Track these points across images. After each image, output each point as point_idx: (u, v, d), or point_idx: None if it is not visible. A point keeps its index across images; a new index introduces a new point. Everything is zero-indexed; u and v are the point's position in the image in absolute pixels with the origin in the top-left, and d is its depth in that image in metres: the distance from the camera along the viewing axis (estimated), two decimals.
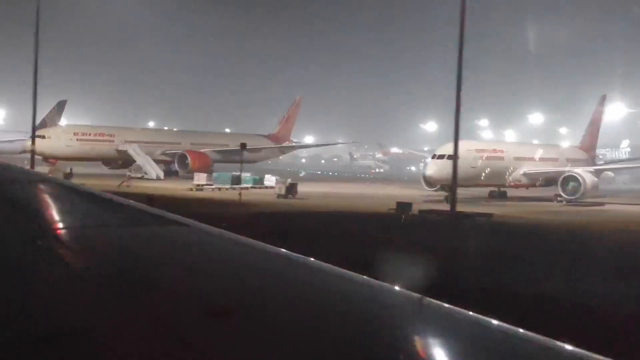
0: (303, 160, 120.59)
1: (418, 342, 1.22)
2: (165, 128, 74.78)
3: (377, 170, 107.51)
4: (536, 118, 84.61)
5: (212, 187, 35.84)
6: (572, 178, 31.58)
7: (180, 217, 2.15)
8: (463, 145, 31.21)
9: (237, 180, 36.45)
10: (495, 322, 1.21)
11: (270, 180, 38.28)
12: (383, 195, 32.23)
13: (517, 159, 34.47)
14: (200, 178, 36.92)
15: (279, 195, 30.88)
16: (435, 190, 31.19)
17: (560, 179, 31.84)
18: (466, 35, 20.71)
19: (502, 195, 35.13)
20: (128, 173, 41.48)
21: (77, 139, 43.48)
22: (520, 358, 1.15)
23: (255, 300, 1.38)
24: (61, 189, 2.85)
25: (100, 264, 1.63)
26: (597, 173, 36.12)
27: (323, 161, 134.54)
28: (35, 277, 1.50)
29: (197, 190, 34.69)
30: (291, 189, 31.23)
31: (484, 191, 35.17)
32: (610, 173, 55.34)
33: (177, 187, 34.91)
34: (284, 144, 60.41)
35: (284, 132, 61.33)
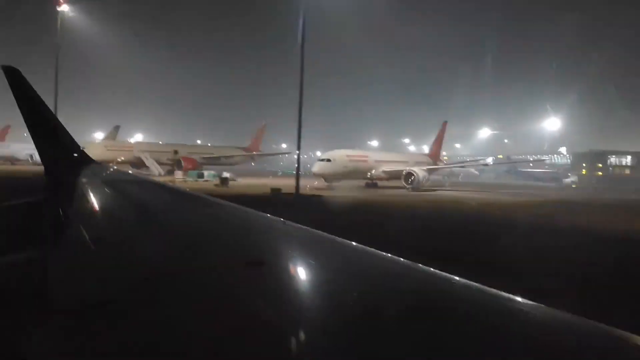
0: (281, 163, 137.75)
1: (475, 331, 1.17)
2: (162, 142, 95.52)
3: None
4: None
5: (181, 179, 52.54)
6: (410, 173, 49.27)
7: (225, 201, 3.12)
8: (340, 152, 49.71)
9: (201, 175, 54.36)
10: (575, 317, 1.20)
11: (225, 175, 56.05)
12: (284, 184, 40.90)
13: (378, 161, 51.40)
14: (178, 174, 55.29)
15: (215, 185, 45.37)
16: (327, 182, 48.55)
17: (403, 174, 49.61)
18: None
19: (375, 185, 51.77)
20: (138, 171, 58.95)
21: (107, 150, 60.39)
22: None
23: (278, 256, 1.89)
24: (146, 184, 4.48)
25: (175, 231, 2.34)
26: (430, 171, 53.56)
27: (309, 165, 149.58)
28: (138, 233, 2.31)
29: (171, 181, 50.86)
30: (224, 181, 47.03)
31: (362, 183, 52.20)
32: (474, 171, 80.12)
33: (165, 179, 49.33)
34: (252, 153, 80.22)
35: (254, 145, 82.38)
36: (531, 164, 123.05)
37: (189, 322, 1.27)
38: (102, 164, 7.02)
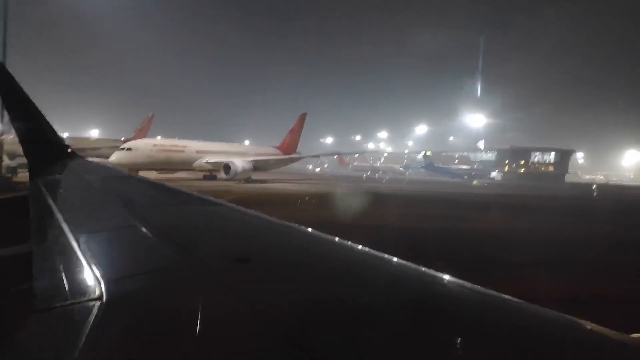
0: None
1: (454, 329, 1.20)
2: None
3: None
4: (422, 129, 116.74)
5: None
6: (227, 165, 45.62)
7: (216, 199, 3.15)
8: (145, 141, 45.95)
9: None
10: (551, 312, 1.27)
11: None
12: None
13: (200, 152, 47.89)
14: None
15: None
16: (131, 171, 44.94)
17: (222, 165, 45.97)
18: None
19: (213, 178, 48.22)
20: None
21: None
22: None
23: (265, 252, 1.90)
24: (132, 180, 4.60)
25: (163, 230, 2.27)
26: (257, 162, 49.98)
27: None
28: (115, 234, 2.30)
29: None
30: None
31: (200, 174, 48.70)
32: (400, 168, 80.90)
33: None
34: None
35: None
36: (457, 161, 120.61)
37: (173, 320, 1.27)
38: (87, 160, 6.88)
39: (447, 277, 1.52)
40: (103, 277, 1.59)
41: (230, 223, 2.63)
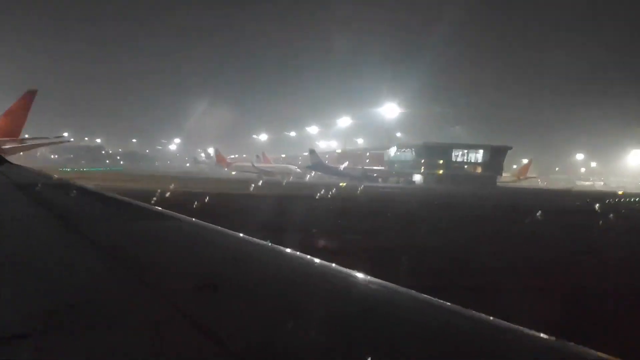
0: None
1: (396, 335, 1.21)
2: None
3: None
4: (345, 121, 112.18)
5: None
6: None
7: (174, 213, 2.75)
8: None
9: None
10: (492, 320, 1.29)
11: None
12: None
13: None
14: None
15: None
16: None
17: None
18: None
19: None
20: None
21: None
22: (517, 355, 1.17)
23: (234, 278, 1.62)
24: (70, 188, 4.26)
25: (109, 252, 1.91)
26: None
27: None
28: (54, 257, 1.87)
29: None
30: None
31: None
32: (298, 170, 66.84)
33: None
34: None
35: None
36: (368, 160, 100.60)
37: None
38: (19, 166, 6.58)
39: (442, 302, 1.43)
40: (27, 308, 1.30)
41: (192, 241, 2.34)
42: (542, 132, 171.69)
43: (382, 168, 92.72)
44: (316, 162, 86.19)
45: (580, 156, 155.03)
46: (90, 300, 1.38)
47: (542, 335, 1.22)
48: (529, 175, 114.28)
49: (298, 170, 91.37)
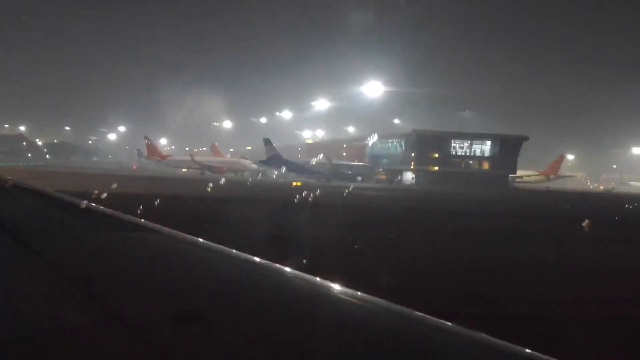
0: None
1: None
2: None
3: None
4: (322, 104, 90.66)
5: None
6: None
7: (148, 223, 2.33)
8: None
9: None
10: (487, 338, 1.25)
11: None
12: None
13: None
14: None
15: None
16: None
17: None
18: None
19: None
20: None
21: None
22: None
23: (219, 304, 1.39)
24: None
25: (73, 267, 1.64)
26: None
27: None
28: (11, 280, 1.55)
29: None
30: None
31: None
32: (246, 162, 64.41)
33: None
34: None
35: None
36: (345, 154, 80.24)
37: None
38: None
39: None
40: None
41: (170, 258, 1.97)
42: (596, 121, 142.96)
43: (361, 163, 72.36)
44: (272, 155, 66.39)
45: (637, 150, 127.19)
46: (33, 336, 1.13)
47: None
48: (562, 173, 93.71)
49: (254, 165, 71.57)
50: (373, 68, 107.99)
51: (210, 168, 69.32)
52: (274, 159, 66.02)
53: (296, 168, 65.07)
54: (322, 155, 68.91)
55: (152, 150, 78.83)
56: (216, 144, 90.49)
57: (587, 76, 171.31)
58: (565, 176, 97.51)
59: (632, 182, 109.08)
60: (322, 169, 63.71)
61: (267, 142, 67.78)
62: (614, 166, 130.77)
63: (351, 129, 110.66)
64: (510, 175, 78.17)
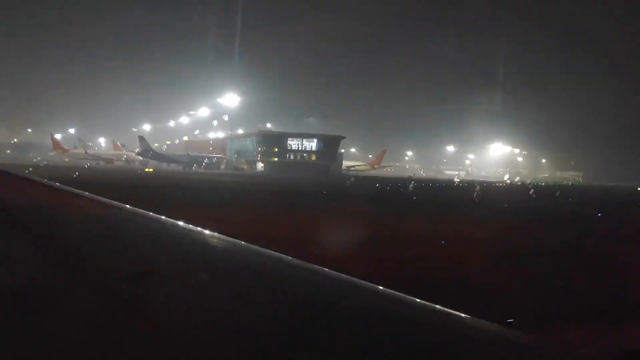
0: None
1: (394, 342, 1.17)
2: None
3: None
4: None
5: None
6: None
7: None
8: None
9: None
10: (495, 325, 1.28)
11: None
12: None
13: None
14: None
15: None
16: None
17: None
18: None
19: None
20: None
21: None
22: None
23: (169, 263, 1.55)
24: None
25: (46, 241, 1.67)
26: None
27: None
28: None
29: None
30: None
31: None
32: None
33: None
34: None
35: None
36: (211, 148, 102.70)
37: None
38: None
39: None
40: None
41: (126, 229, 2.06)
42: (429, 126, 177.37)
43: (216, 155, 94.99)
44: (145, 149, 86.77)
45: (451, 148, 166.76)
46: (7, 291, 1.25)
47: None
48: (384, 164, 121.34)
49: (139, 157, 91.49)
50: (237, 81, 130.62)
51: (102, 159, 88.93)
52: (146, 151, 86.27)
53: (162, 157, 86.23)
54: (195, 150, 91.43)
55: (57, 145, 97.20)
56: (117, 142, 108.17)
57: (422, 89, 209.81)
58: (387, 166, 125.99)
59: (446, 171, 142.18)
60: (183, 159, 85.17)
61: (142, 139, 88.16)
62: (444, 160, 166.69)
63: (240, 131, 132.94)
64: (346, 165, 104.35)
